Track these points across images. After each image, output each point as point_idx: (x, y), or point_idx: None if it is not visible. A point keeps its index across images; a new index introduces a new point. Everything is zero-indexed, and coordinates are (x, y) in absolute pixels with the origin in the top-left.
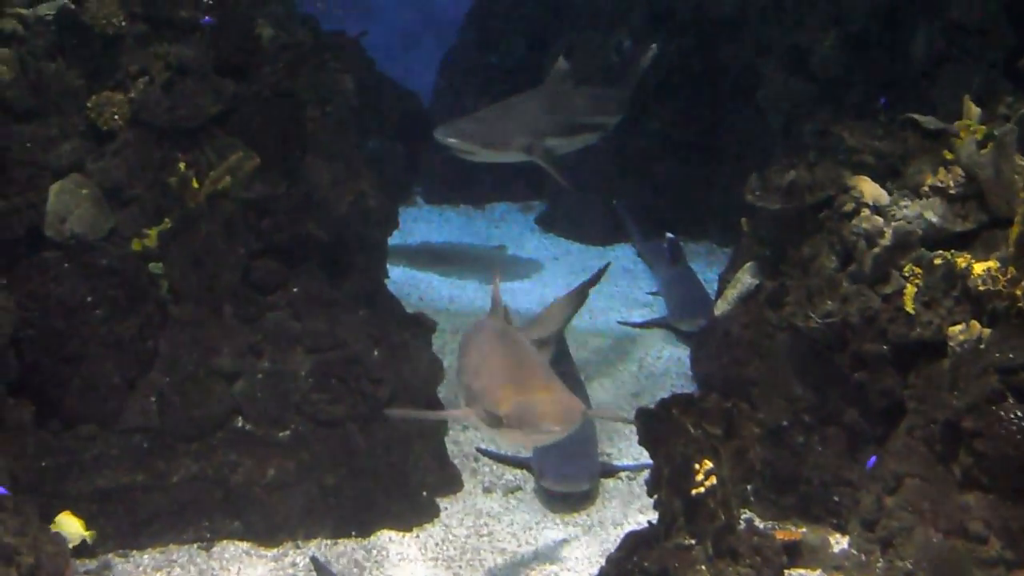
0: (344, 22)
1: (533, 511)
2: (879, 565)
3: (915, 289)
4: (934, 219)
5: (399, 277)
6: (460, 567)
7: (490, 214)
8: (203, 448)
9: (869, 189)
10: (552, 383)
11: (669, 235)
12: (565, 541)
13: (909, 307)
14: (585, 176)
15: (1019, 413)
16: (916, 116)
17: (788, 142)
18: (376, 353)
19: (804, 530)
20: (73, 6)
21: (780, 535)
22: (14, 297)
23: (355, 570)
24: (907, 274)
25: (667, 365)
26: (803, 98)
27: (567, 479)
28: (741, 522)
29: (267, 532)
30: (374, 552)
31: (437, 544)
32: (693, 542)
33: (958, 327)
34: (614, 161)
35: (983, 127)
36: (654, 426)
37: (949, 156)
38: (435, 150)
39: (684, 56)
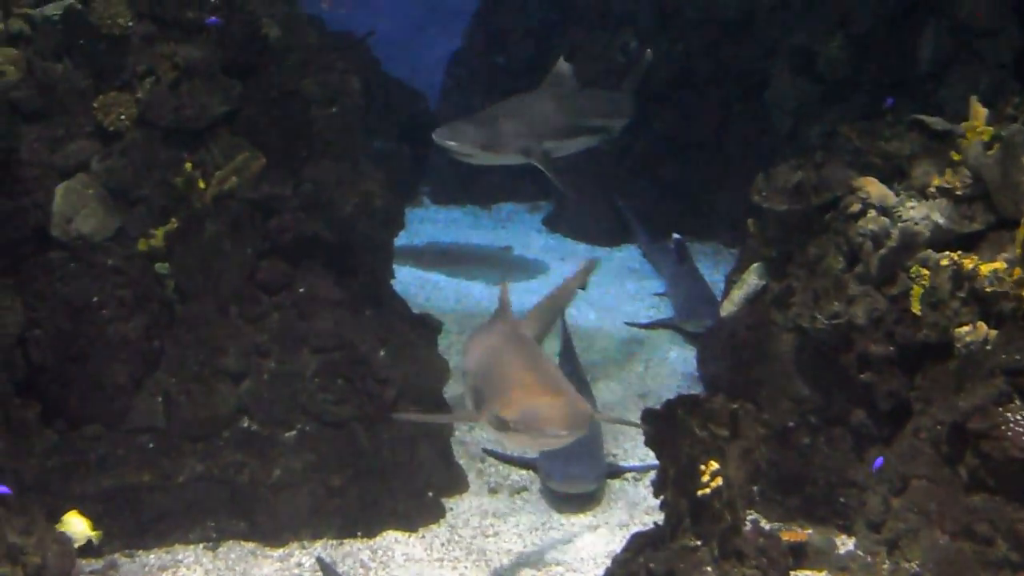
0: (348, 8)
1: (539, 512)
2: (885, 567)
3: (921, 290)
4: (941, 220)
5: (405, 277)
6: (466, 567)
7: (497, 214)
8: (209, 448)
9: (876, 190)
10: (560, 387)
11: (676, 236)
12: (571, 542)
13: (915, 308)
14: (591, 177)
15: None
16: (923, 117)
17: (795, 143)
18: (382, 353)
19: (810, 531)
20: (80, 6)
21: (786, 536)
22: (21, 297)
23: (361, 570)
24: (914, 275)
25: (673, 366)
26: (810, 99)
27: (573, 480)
28: (747, 523)
29: (273, 532)
30: (380, 552)
31: (443, 544)
32: (699, 543)
33: (965, 328)
34: (621, 162)
35: (990, 128)
36: (660, 427)
37: (956, 157)
38: (441, 150)
39: (691, 57)
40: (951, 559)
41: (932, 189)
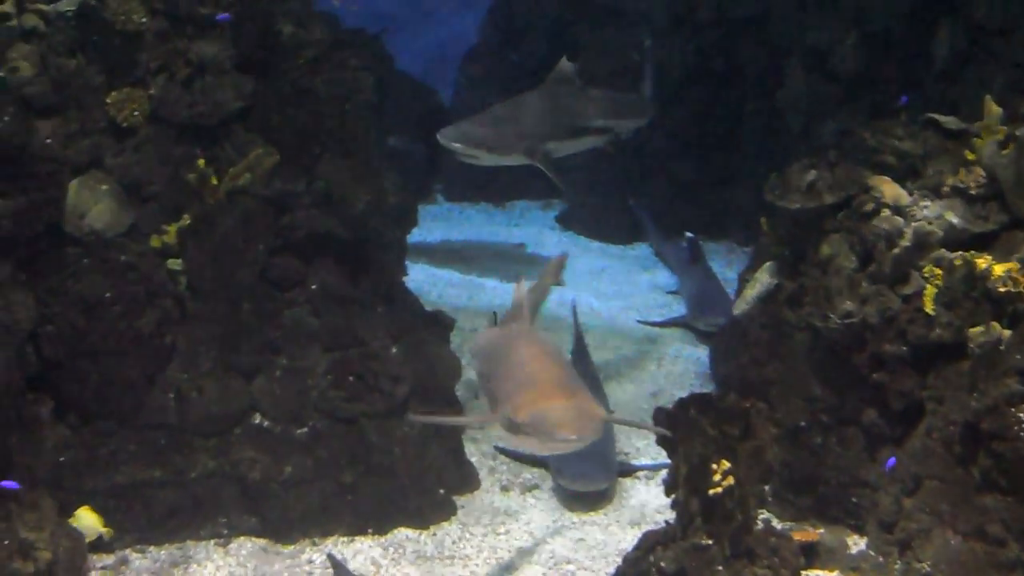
0: (360, 4)
1: (550, 510)
2: (897, 567)
3: (935, 290)
4: (954, 220)
5: (418, 275)
6: (477, 565)
7: (510, 212)
8: (221, 444)
9: (889, 189)
10: (573, 390)
11: (688, 234)
12: (582, 540)
13: (929, 308)
14: (604, 175)
15: None
16: (937, 116)
17: (808, 142)
18: (394, 350)
19: (822, 531)
20: (94, 2)
21: (797, 536)
22: (33, 293)
23: (372, 568)
24: (927, 275)
25: (686, 364)
26: (824, 98)
27: (585, 478)
28: (758, 522)
29: (284, 529)
30: (391, 550)
31: (454, 542)
32: (710, 542)
33: (978, 328)
34: (634, 160)
35: (1004, 128)
36: (672, 426)
37: (970, 156)
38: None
39: (705, 55)
40: (963, 560)
41: (946, 188)
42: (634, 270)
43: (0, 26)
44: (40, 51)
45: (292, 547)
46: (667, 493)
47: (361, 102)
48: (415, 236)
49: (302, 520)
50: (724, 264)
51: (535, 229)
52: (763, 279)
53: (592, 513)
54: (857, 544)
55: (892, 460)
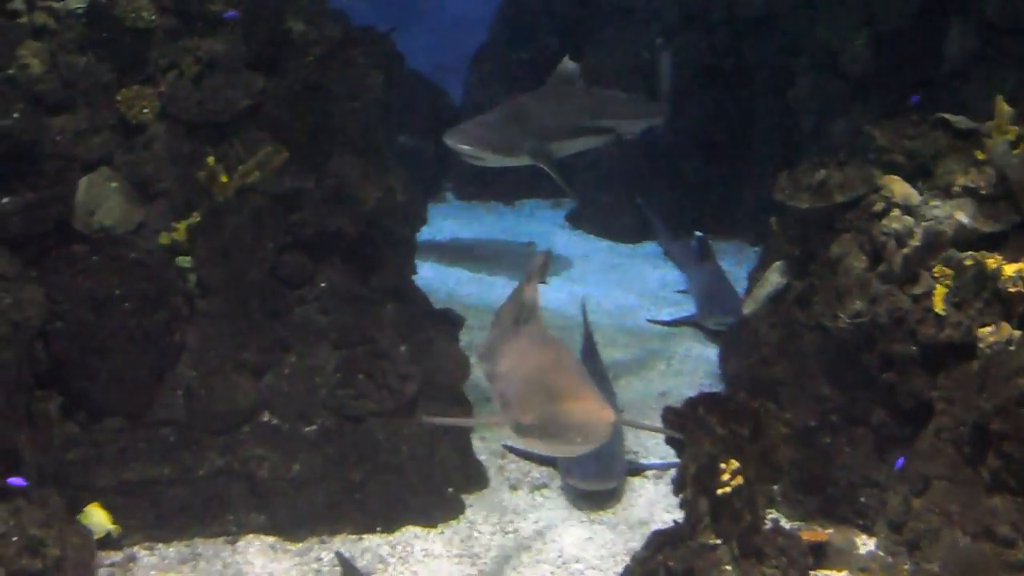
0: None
1: (559, 508)
2: (906, 567)
3: (945, 290)
4: (965, 219)
5: (428, 273)
6: (485, 563)
7: (520, 210)
8: (229, 442)
9: (899, 189)
10: (583, 392)
11: (698, 233)
12: (591, 539)
13: (939, 308)
14: (614, 174)
15: None
16: (948, 116)
17: (819, 141)
18: (403, 348)
19: (831, 531)
20: (104, 0)
21: (806, 536)
22: (43, 289)
23: (380, 566)
24: (937, 275)
25: (695, 364)
26: (834, 97)
27: (593, 477)
28: (767, 522)
29: (292, 527)
30: (399, 548)
31: (462, 540)
32: (719, 542)
33: (988, 329)
34: (644, 159)
35: (1015, 127)
36: (681, 425)
37: (981, 156)
38: None
39: (715, 55)
40: (972, 560)
41: (956, 188)
42: (644, 269)
43: (10, 23)
44: (50, 48)
45: (300, 545)
46: (676, 492)
47: (371, 100)
48: (425, 234)
49: (310, 518)
50: (734, 263)
51: (545, 228)
52: (773, 278)
53: (601, 512)
54: (866, 544)
55: (901, 460)
